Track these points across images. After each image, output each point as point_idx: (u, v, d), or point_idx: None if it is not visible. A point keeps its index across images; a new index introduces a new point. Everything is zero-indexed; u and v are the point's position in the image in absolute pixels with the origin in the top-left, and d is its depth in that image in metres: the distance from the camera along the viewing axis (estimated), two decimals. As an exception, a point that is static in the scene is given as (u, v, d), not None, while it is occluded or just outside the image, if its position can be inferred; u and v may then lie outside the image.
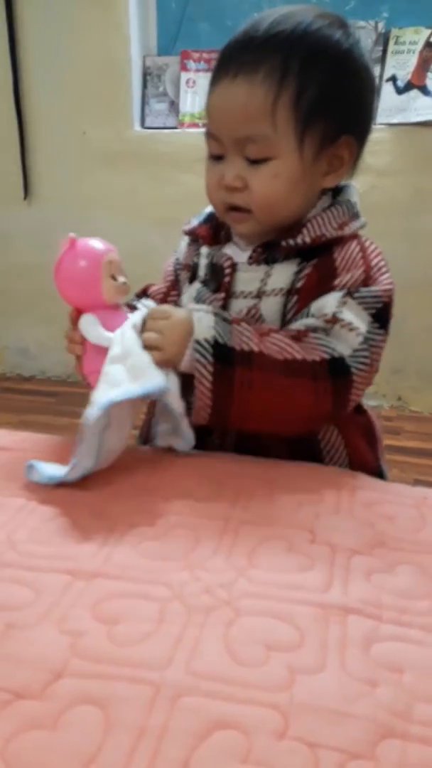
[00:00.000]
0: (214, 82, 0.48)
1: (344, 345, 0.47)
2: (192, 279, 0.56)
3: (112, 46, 1.58)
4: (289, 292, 0.50)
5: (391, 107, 1.47)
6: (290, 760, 0.25)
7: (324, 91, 0.46)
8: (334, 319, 0.47)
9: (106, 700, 0.27)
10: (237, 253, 0.52)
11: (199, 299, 0.53)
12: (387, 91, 1.48)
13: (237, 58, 0.46)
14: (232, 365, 0.44)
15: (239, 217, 0.50)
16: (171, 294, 0.59)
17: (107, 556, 0.37)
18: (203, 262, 0.55)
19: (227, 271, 0.52)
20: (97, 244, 0.47)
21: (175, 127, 1.63)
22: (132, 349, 0.44)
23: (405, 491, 0.46)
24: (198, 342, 0.45)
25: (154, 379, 0.44)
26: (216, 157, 0.49)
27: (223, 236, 0.54)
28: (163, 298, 0.59)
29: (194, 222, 0.56)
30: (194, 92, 1.63)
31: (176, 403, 0.46)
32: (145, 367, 0.44)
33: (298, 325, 0.48)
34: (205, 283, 0.54)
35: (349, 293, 0.48)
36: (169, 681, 0.28)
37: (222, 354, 0.44)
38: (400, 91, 1.48)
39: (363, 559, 0.37)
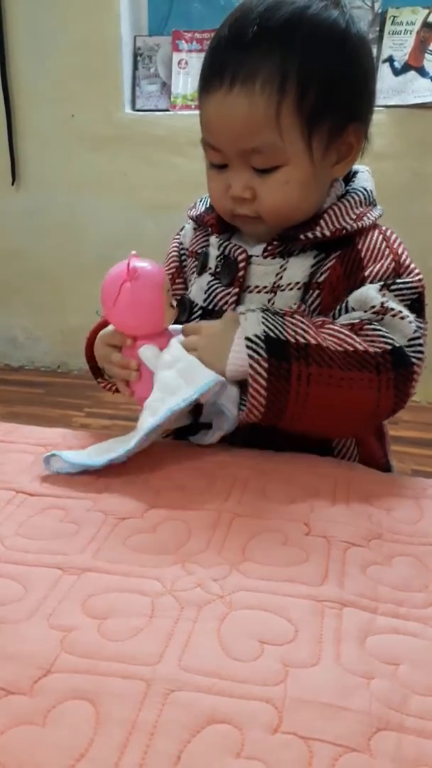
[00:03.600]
0: (208, 90, 0.45)
1: (399, 335, 0.44)
2: (202, 269, 0.53)
3: (102, 26, 1.54)
4: (308, 285, 0.48)
5: (388, 89, 1.45)
6: (284, 754, 0.25)
7: (326, 86, 0.44)
8: (384, 309, 0.45)
9: (97, 696, 0.27)
10: (250, 244, 0.50)
11: (210, 293, 0.51)
12: (384, 72, 1.45)
13: (230, 63, 0.43)
14: (288, 360, 0.42)
15: (249, 221, 0.49)
16: (176, 282, 0.56)
17: (97, 550, 0.37)
18: (214, 253, 0.52)
19: (241, 264, 0.49)
20: (155, 269, 0.46)
21: (167, 110, 1.59)
22: (180, 354, 0.44)
23: (403, 482, 0.46)
24: (249, 339, 0.42)
25: (207, 377, 0.42)
26: (218, 166, 0.47)
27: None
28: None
29: (200, 207, 0.54)
30: (186, 73, 1.59)
31: (232, 406, 0.44)
32: (195, 366, 0.43)
33: (345, 319, 0.46)
34: (216, 275, 0.52)
35: (386, 285, 0.46)
36: (160, 676, 0.28)
37: (276, 348, 0.42)
38: (397, 72, 1.46)
39: (359, 551, 0.37)
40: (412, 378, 0.44)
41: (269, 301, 0.49)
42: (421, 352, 0.45)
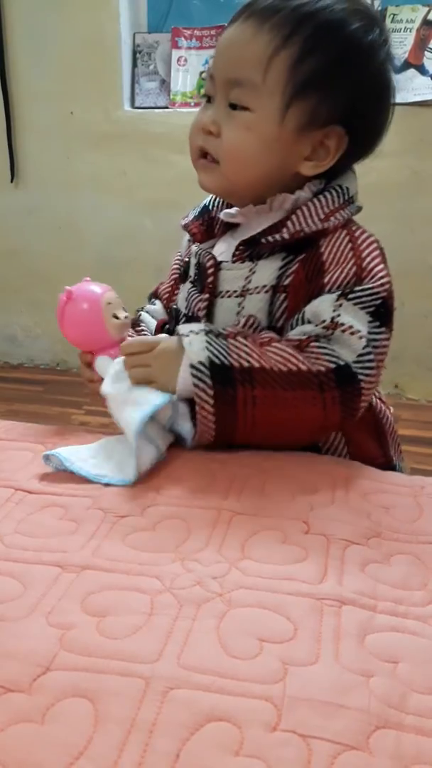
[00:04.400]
0: (229, 24, 0.47)
1: (348, 350, 0.44)
2: (184, 278, 0.55)
3: (101, 23, 1.53)
4: (275, 288, 0.48)
5: (387, 87, 1.45)
6: (283, 752, 0.25)
7: (326, 68, 0.45)
8: (334, 324, 0.45)
9: (96, 694, 0.27)
10: (226, 250, 0.51)
11: (189, 299, 0.52)
12: (383, 71, 1.45)
13: (256, 4, 0.46)
14: (233, 385, 0.42)
15: (207, 165, 0.48)
16: (176, 292, 0.58)
17: (96, 548, 0.37)
18: (192, 261, 0.54)
19: (210, 270, 0.50)
20: (94, 288, 0.50)
21: (166, 107, 1.59)
22: (125, 389, 0.45)
23: (401, 480, 0.46)
24: (193, 366, 0.43)
25: (156, 399, 0.43)
26: (207, 101, 0.49)
27: (219, 231, 0.52)
28: (169, 297, 0.59)
29: (190, 216, 0.55)
30: (186, 70, 1.58)
31: (185, 423, 0.45)
32: (144, 394, 0.44)
33: (297, 333, 0.46)
34: (193, 283, 0.53)
35: (343, 294, 0.45)
36: (159, 674, 0.28)
37: (221, 374, 0.42)
38: (396, 70, 1.45)
39: (358, 549, 0.37)
40: (360, 393, 0.44)
41: (239, 305, 0.49)
42: (370, 367, 0.45)
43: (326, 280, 0.46)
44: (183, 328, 0.45)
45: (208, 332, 0.44)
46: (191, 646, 0.30)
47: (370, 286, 0.46)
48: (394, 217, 1.47)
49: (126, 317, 0.49)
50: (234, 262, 0.50)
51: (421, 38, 1.44)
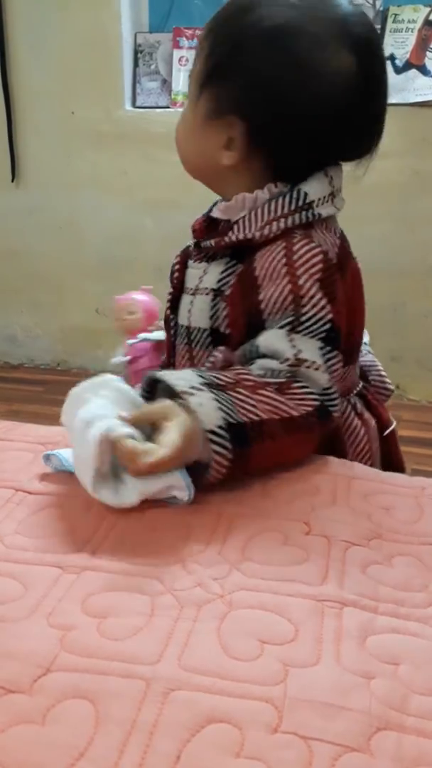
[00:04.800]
0: None
1: (315, 386, 0.44)
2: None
3: (102, 22, 1.53)
4: (216, 293, 0.49)
5: (389, 87, 1.44)
6: (284, 754, 0.25)
7: (224, 58, 0.46)
8: (298, 362, 0.44)
9: (97, 695, 0.27)
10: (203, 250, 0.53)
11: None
12: (384, 70, 1.45)
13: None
14: (249, 443, 0.40)
15: None
16: None
17: (97, 549, 0.37)
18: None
19: (176, 267, 0.53)
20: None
21: (167, 107, 1.59)
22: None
23: (402, 481, 0.46)
24: (213, 432, 0.39)
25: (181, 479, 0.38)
26: None
27: (223, 227, 0.52)
28: None
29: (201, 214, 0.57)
30: (187, 70, 1.58)
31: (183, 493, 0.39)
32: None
33: (259, 368, 0.44)
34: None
35: (292, 329, 0.44)
36: (160, 675, 0.28)
37: (238, 435, 0.40)
38: (398, 70, 1.45)
39: (359, 550, 0.37)
40: (333, 422, 0.46)
41: (191, 302, 0.51)
42: (334, 399, 0.45)
43: (261, 297, 0.46)
44: (179, 383, 0.41)
45: (208, 385, 0.41)
46: (192, 647, 0.30)
47: (313, 313, 0.45)
48: (395, 217, 1.47)
49: (124, 319, 0.63)
50: (194, 261, 0.52)
51: (423, 38, 1.44)
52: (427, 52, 1.44)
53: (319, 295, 0.45)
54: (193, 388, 0.41)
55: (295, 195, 0.47)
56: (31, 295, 1.79)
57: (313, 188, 0.47)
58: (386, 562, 0.36)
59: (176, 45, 1.59)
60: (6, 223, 1.74)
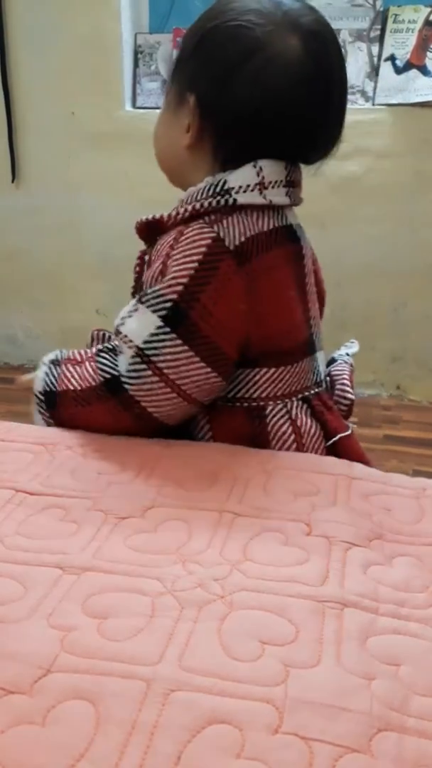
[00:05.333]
0: None
1: (123, 361, 0.47)
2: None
3: (102, 23, 1.53)
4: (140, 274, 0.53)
5: (389, 87, 1.44)
6: (285, 755, 0.25)
7: (180, 54, 0.50)
8: (117, 332, 0.47)
9: (97, 696, 0.27)
10: None
11: None
12: (385, 70, 1.45)
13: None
14: (56, 408, 0.51)
15: None
16: None
17: (97, 550, 0.36)
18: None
19: (137, 261, 0.54)
20: None
21: (167, 108, 1.59)
22: None
23: (403, 482, 0.46)
24: (36, 395, 0.52)
25: None
26: None
27: None
28: None
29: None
30: (187, 71, 1.58)
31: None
32: None
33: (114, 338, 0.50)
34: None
35: (140, 299, 0.47)
36: (161, 676, 0.28)
37: (48, 400, 0.51)
38: (398, 70, 1.45)
39: (360, 551, 0.37)
40: (134, 401, 0.47)
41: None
42: (140, 376, 0.46)
43: (144, 277, 0.49)
44: (45, 356, 0.53)
45: (53, 362, 0.52)
46: (192, 648, 0.30)
47: (159, 287, 0.45)
48: (396, 218, 1.47)
49: None
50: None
51: (423, 39, 1.44)
52: (428, 53, 1.44)
53: (174, 274, 0.45)
54: (43, 362, 0.53)
55: (214, 181, 0.48)
56: (31, 295, 1.79)
57: (236, 176, 0.48)
58: (387, 563, 0.36)
59: (176, 45, 1.59)
60: (6, 224, 1.74)
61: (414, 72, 1.45)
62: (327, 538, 0.38)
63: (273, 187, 0.48)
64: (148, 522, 0.39)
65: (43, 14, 1.55)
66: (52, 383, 0.51)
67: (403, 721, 0.27)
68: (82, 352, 0.52)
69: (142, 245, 0.54)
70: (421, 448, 1.36)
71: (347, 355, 0.59)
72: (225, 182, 0.48)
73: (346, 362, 0.59)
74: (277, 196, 0.49)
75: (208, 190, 0.48)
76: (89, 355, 0.50)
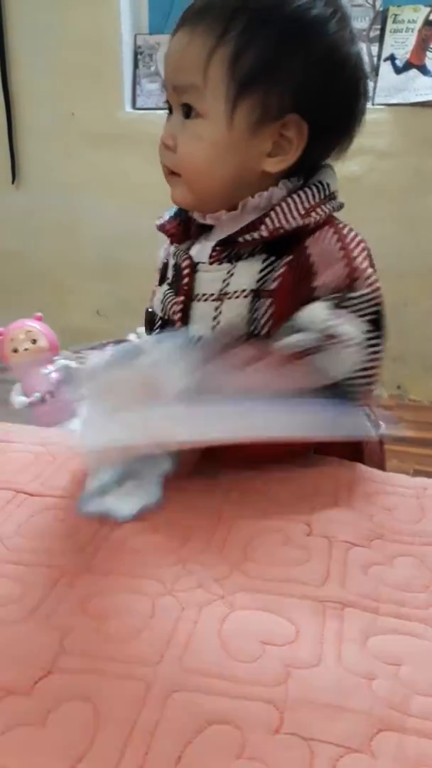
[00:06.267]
0: (172, 34, 0.45)
1: (348, 364, 0.42)
2: (162, 280, 0.53)
3: (102, 24, 1.54)
4: (256, 293, 0.45)
5: (389, 87, 1.45)
6: (285, 755, 0.25)
7: (266, 56, 0.42)
8: (329, 336, 0.42)
9: (97, 697, 0.27)
10: (201, 251, 0.48)
11: (164, 302, 0.50)
12: (385, 70, 1.45)
13: (190, 9, 0.44)
14: None
15: (173, 180, 0.47)
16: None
17: (97, 551, 0.36)
18: (171, 262, 0.51)
19: (185, 272, 0.48)
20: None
21: (167, 108, 1.59)
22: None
23: (404, 482, 0.46)
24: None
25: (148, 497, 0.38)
26: (169, 112, 0.47)
27: (194, 231, 0.49)
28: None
29: (165, 216, 0.53)
30: (187, 72, 1.58)
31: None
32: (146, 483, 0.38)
33: (289, 342, 0.42)
34: (170, 285, 0.50)
35: (337, 303, 0.42)
36: (161, 677, 0.28)
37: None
38: (398, 70, 1.45)
39: (361, 551, 0.37)
40: (358, 401, 0.43)
41: (216, 309, 0.46)
42: (368, 381, 0.43)
43: (316, 283, 0.43)
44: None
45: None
46: (193, 648, 0.29)
47: (365, 291, 0.43)
48: (396, 217, 1.47)
49: (26, 349, 0.55)
50: (211, 263, 0.47)
51: (423, 39, 1.44)
52: (427, 52, 1.44)
53: (372, 278, 0.44)
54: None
55: (320, 186, 0.46)
56: (31, 296, 1.79)
57: (331, 180, 0.47)
58: (388, 563, 0.36)
59: (176, 46, 1.59)
60: (6, 225, 1.74)
61: (414, 72, 1.45)
62: (327, 538, 0.38)
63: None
64: (148, 522, 0.39)
65: (43, 15, 1.56)
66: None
67: (404, 721, 0.26)
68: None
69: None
70: (422, 448, 1.36)
71: None
72: (328, 185, 0.46)
73: None
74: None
75: (316, 195, 0.45)
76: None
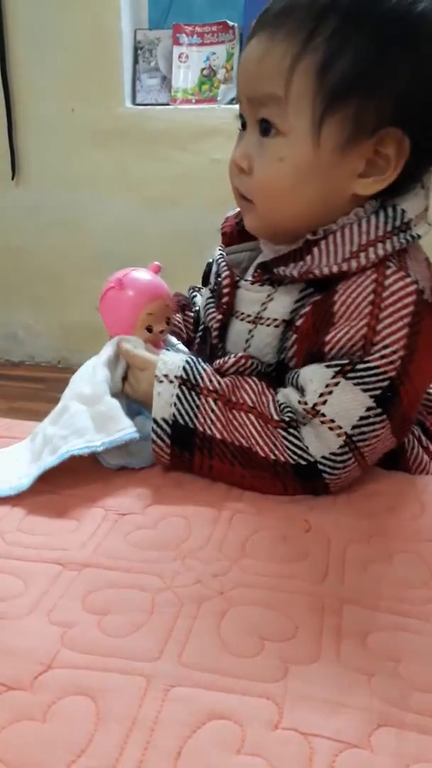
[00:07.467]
0: (247, 40, 0.40)
1: (321, 445, 0.38)
2: (205, 281, 0.49)
3: (102, 19, 1.53)
4: (288, 323, 0.41)
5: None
6: (285, 750, 0.25)
7: (362, 63, 0.36)
8: (314, 412, 0.38)
9: (97, 691, 0.27)
10: (246, 263, 0.46)
11: (206, 310, 0.47)
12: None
13: (268, 12, 0.38)
14: (191, 450, 0.40)
15: (245, 206, 0.42)
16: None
17: (97, 546, 0.37)
18: (214, 268, 0.47)
19: (225, 290, 0.44)
20: (144, 290, 0.45)
21: (167, 104, 1.58)
22: (100, 394, 0.42)
23: (404, 479, 0.46)
24: (156, 422, 0.40)
25: (120, 432, 0.41)
26: (243, 127, 0.41)
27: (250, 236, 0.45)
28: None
29: (231, 212, 0.48)
30: (187, 67, 1.58)
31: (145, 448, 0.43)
32: (114, 416, 0.41)
33: (281, 397, 0.40)
34: (212, 293, 0.47)
35: (342, 371, 0.37)
36: (161, 672, 0.28)
37: (181, 437, 0.40)
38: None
39: (360, 548, 0.37)
40: (327, 486, 0.40)
41: (249, 332, 0.43)
42: (343, 465, 0.38)
43: (328, 338, 0.38)
44: (162, 366, 0.41)
45: (183, 382, 0.40)
46: (192, 644, 0.30)
47: (376, 364, 0.37)
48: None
49: (162, 331, 0.45)
50: (253, 283, 0.43)
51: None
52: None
53: (393, 346, 0.37)
54: (166, 377, 0.41)
55: (390, 213, 0.38)
56: (31, 292, 1.79)
57: (410, 203, 0.39)
58: (387, 560, 0.36)
59: (176, 42, 1.58)
60: (6, 221, 1.74)
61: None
62: (327, 535, 0.38)
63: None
64: (148, 518, 0.39)
65: (42, 11, 1.55)
66: (186, 416, 0.39)
67: (403, 716, 0.27)
68: (222, 382, 0.40)
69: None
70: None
71: None
72: (404, 213, 0.38)
73: None
74: (430, 218, 0.40)
75: (385, 224, 0.38)
76: (237, 389, 0.39)
